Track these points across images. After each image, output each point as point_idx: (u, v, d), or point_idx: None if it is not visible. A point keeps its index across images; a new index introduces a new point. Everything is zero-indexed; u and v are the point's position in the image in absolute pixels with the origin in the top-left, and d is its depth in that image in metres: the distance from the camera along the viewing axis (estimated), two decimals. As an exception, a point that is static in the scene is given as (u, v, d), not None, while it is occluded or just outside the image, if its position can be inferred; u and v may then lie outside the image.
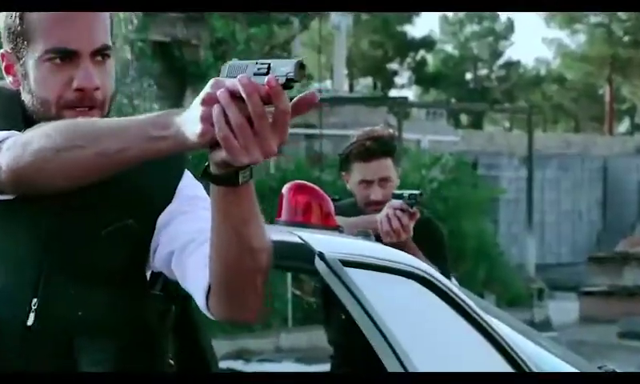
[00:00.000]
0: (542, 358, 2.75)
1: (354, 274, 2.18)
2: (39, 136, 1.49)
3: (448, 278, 2.69)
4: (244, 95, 1.29)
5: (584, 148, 23.58)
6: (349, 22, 21.03)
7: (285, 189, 2.84)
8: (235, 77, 1.31)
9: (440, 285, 2.37)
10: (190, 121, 1.34)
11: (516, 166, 19.03)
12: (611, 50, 34.65)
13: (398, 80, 39.73)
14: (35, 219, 1.59)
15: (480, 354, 2.39)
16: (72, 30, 1.60)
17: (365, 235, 2.67)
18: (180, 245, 1.58)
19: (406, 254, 2.53)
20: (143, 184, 1.61)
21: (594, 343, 11.50)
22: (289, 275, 9.89)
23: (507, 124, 39.71)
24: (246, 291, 1.49)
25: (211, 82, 1.33)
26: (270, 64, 1.30)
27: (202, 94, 1.33)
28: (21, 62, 1.64)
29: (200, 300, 1.53)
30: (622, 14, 33.85)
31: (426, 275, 2.37)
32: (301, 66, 1.28)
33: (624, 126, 43.07)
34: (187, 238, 1.58)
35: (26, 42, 1.62)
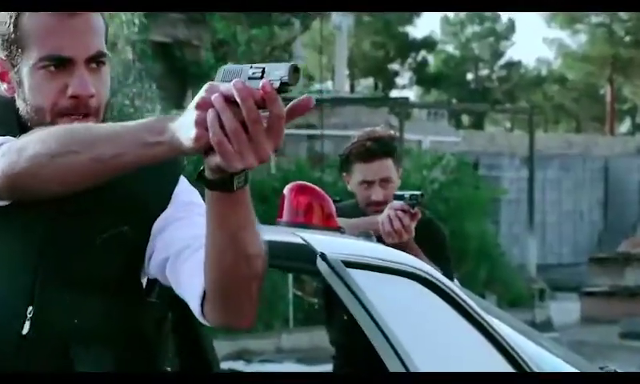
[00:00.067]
0: (543, 358, 2.75)
1: (355, 275, 2.18)
2: (34, 142, 1.49)
3: (450, 278, 2.69)
4: (238, 100, 1.28)
5: (585, 148, 23.57)
6: (350, 22, 21.03)
7: (286, 189, 2.84)
8: (230, 81, 1.30)
9: (441, 285, 2.38)
10: (184, 126, 1.34)
11: (517, 166, 19.03)
12: (612, 50, 34.64)
13: (399, 80, 39.75)
14: (30, 225, 1.59)
15: (481, 354, 2.40)
16: (66, 38, 1.60)
17: (366, 236, 2.67)
18: (175, 251, 1.58)
19: (407, 254, 2.54)
20: (138, 190, 1.61)
21: (596, 344, 11.50)
22: (290, 276, 9.89)
23: (508, 124, 39.70)
24: (241, 298, 1.48)
25: (206, 86, 1.33)
26: (264, 68, 1.30)
27: (196, 99, 1.33)
28: (15, 69, 1.64)
29: (195, 306, 1.53)
30: (623, 14, 33.84)
31: (427, 276, 2.37)
32: (295, 69, 1.28)
33: (625, 126, 43.06)
34: (182, 244, 1.57)
35: (20, 50, 1.62)
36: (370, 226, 2.84)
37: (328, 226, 2.75)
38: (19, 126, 1.63)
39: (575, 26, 35.75)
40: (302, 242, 2.28)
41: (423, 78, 39.11)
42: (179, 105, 13.23)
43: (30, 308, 1.58)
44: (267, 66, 1.30)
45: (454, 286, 2.45)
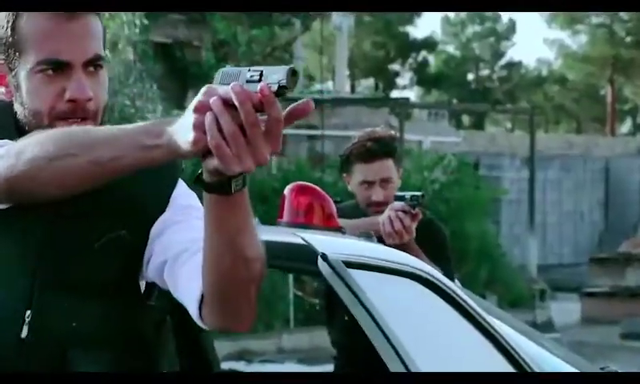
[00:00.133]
0: (544, 358, 2.75)
1: (356, 276, 2.18)
2: (32, 145, 1.49)
3: (451, 279, 2.69)
4: (236, 103, 1.28)
5: (586, 149, 23.57)
6: (350, 23, 21.03)
7: (287, 190, 2.84)
8: (228, 84, 1.30)
9: (442, 286, 2.37)
10: (182, 129, 1.34)
11: (518, 166, 19.03)
12: (613, 50, 34.63)
13: (399, 81, 39.75)
14: (28, 229, 1.59)
15: (482, 355, 2.39)
16: (64, 41, 1.59)
17: (367, 236, 2.67)
18: (173, 254, 1.58)
19: (408, 255, 2.53)
20: (136, 193, 1.61)
21: (596, 344, 11.49)
22: (290, 276, 9.89)
23: (509, 125, 39.71)
24: (240, 301, 1.48)
25: (204, 89, 1.33)
26: (262, 71, 1.30)
27: (194, 102, 1.32)
28: (13, 73, 1.64)
29: (193, 310, 1.52)
30: (623, 15, 33.85)
31: (428, 276, 2.37)
32: (293, 73, 1.27)
33: (626, 126, 43.05)
34: (180, 247, 1.57)
35: (17, 53, 1.62)
36: (370, 226, 2.84)
37: (329, 226, 2.74)
38: (17, 130, 1.63)
39: (576, 27, 35.76)
40: (302, 242, 2.28)
41: (424, 79, 39.11)
42: (180, 105, 13.23)
43: (28, 312, 1.57)
44: (265, 69, 1.30)
45: (454, 287, 2.45)
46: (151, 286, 1.70)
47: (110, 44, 9.58)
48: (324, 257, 2.17)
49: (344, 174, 3.20)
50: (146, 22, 10.50)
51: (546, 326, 12.85)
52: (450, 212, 13.07)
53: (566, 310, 14.66)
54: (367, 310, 2.13)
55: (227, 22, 14.70)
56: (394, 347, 2.11)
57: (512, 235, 18.07)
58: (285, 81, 1.27)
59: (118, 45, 9.75)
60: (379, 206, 3.02)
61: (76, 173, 1.45)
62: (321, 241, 2.29)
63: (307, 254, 2.23)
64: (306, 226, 2.70)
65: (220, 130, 1.29)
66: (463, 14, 39.40)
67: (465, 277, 11.19)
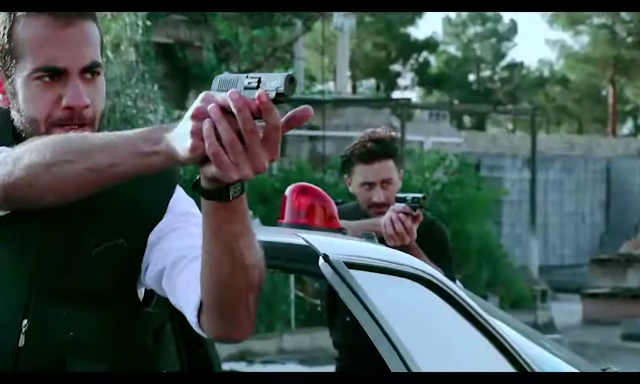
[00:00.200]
0: (545, 359, 2.75)
1: (358, 276, 2.18)
2: (30, 151, 1.48)
3: (452, 279, 2.69)
4: (234, 110, 1.28)
5: (587, 149, 23.55)
6: (352, 23, 21.02)
7: (288, 191, 2.84)
8: (226, 90, 1.30)
9: (444, 287, 2.37)
10: (180, 136, 1.33)
11: (519, 167, 19.02)
12: (614, 51, 34.61)
13: (400, 81, 39.73)
14: (25, 237, 1.58)
15: (483, 355, 2.39)
16: (61, 48, 1.58)
17: (368, 237, 2.67)
18: (171, 261, 1.57)
19: (409, 256, 2.53)
20: (134, 200, 1.60)
21: (598, 345, 11.49)
22: (292, 277, 9.89)
23: (510, 125, 39.67)
24: (238, 309, 1.47)
25: (201, 95, 1.32)
26: (260, 78, 1.29)
27: (192, 109, 1.32)
28: (9, 80, 1.63)
29: (191, 317, 1.51)
30: (625, 16, 33.83)
31: (430, 277, 2.37)
32: (291, 80, 1.27)
33: (627, 127, 43.03)
34: (178, 254, 1.56)
35: (14, 60, 1.61)
36: (372, 228, 2.84)
37: (330, 227, 2.74)
38: (14, 137, 1.62)
39: (577, 28, 35.73)
40: (304, 243, 2.28)
41: (425, 79, 39.09)
42: (181, 105, 13.24)
43: (25, 321, 1.57)
44: (263, 76, 1.29)
45: (456, 288, 2.45)
46: (150, 293, 1.69)
47: (112, 45, 9.58)
48: (325, 257, 2.17)
49: (345, 176, 3.20)
50: (148, 23, 10.50)
51: (547, 327, 12.85)
52: (452, 213, 13.07)
53: (567, 310, 14.66)
54: (368, 311, 2.13)
55: (228, 22, 14.70)
56: (395, 348, 2.11)
57: (513, 236, 18.07)
58: (283, 88, 1.27)
59: (120, 46, 9.75)
60: (380, 207, 3.02)
61: (73, 179, 1.44)
62: (322, 242, 2.29)
63: (309, 255, 2.23)
64: (308, 226, 2.70)
65: (218, 137, 1.29)
66: (464, 15, 39.39)
67: (466, 277, 11.19)
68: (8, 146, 1.57)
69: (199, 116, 1.30)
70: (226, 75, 1.36)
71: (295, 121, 1.30)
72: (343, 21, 19.65)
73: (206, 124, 1.29)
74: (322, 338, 8.37)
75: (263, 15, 14.91)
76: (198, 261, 1.48)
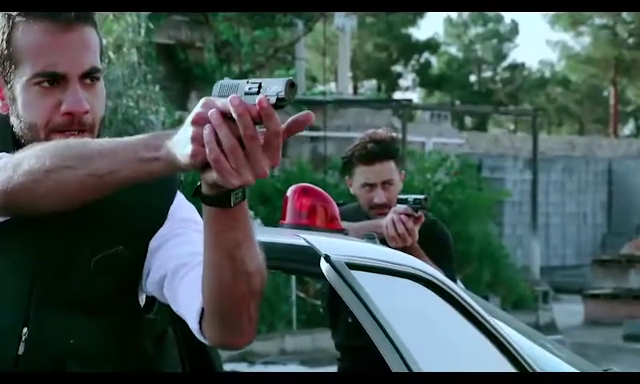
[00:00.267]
0: (546, 360, 2.75)
1: (359, 277, 2.18)
2: (29, 157, 1.47)
3: (453, 280, 2.69)
4: (235, 116, 1.27)
5: (588, 150, 23.54)
6: (353, 24, 21.01)
7: (289, 191, 2.84)
8: (226, 96, 1.29)
9: (445, 288, 2.38)
10: (180, 142, 1.32)
11: (520, 168, 19.02)
12: (616, 51, 34.60)
13: (402, 82, 39.73)
14: (25, 243, 1.57)
15: (485, 356, 2.40)
16: (60, 54, 1.58)
17: (369, 238, 2.67)
18: (172, 268, 1.56)
19: (411, 256, 2.53)
20: (134, 207, 1.59)
21: (599, 346, 11.49)
22: (293, 278, 9.89)
23: (512, 126, 39.66)
24: (240, 315, 1.46)
25: (202, 101, 1.31)
26: (260, 83, 1.29)
27: (192, 114, 1.31)
28: (9, 85, 1.62)
29: (193, 325, 1.51)
30: (626, 16, 33.81)
31: (431, 278, 2.37)
32: (291, 85, 1.27)
33: (629, 128, 43.01)
34: (179, 261, 1.55)
35: (13, 66, 1.60)
36: (374, 229, 2.84)
37: (331, 228, 2.75)
38: (13, 143, 1.61)
39: (579, 28, 35.72)
40: (305, 243, 2.28)
41: (426, 80, 39.09)
42: (183, 106, 13.24)
43: (25, 330, 1.56)
44: (264, 82, 1.29)
45: (457, 289, 2.45)
46: (151, 299, 1.68)
47: (114, 46, 9.59)
48: (327, 258, 2.17)
49: (346, 177, 3.20)
50: (151, 26, 10.51)
51: (549, 328, 12.84)
52: (453, 213, 13.07)
53: (568, 311, 14.65)
54: (370, 312, 2.13)
55: (230, 23, 14.70)
56: (396, 348, 2.11)
57: (515, 237, 18.06)
58: (283, 93, 1.26)
59: (122, 47, 9.76)
60: (381, 209, 3.02)
61: (73, 186, 1.43)
62: (324, 242, 2.29)
63: (310, 256, 2.23)
64: (309, 227, 2.71)
65: (219, 143, 1.28)
66: (466, 16, 39.38)
67: (467, 278, 11.19)
68: (7, 151, 1.56)
69: (200, 122, 1.30)
70: (226, 81, 1.35)
71: (296, 126, 1.30)
72: (344, 21, 19.65)
73: (207, 130, 1.28)
74: (324, 339, 8.37)
75: (264, 16, 14.91)
76: (199, 267, 1.47)
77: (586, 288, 15.10)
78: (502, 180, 18.39)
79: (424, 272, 2.38)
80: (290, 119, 1.30)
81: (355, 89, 34.55)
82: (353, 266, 2.20)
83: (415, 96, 39.30)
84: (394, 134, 3.24)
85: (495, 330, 2.38)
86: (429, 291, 2.36)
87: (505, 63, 40.61)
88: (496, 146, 21.68)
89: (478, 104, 33.21)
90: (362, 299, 2.13)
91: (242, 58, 15.02)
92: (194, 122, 1.30)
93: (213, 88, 1.36)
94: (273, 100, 1.27)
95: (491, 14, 39.00)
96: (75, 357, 1.57)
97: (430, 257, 2.84)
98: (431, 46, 38.63)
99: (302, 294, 10.49)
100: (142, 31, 9.99)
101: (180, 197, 1.67)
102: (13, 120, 1.63)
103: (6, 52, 1.61)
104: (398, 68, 38.98)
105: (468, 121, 38.75)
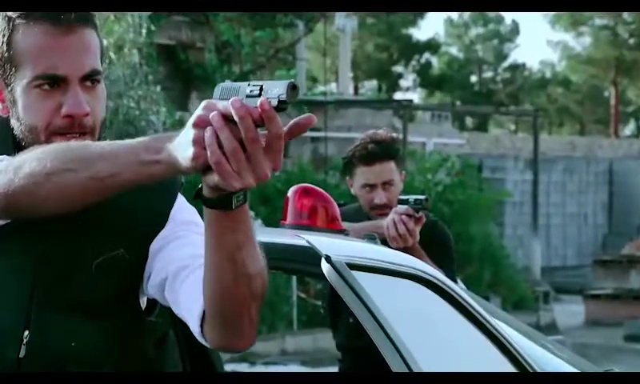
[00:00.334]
0: (547, 360, 2.75)
1: (360, 278, 2.18)
2: (30, 160, 1.47)
3: (454, 280, 2.69)
4: (236, 118, 1.27)
5: (589, 151, 23.54)
6: (353, 24, 21.02)
7: (290, 192, 2.84)
8: (227, 98, 1.29)
9: (446, 288, 2.38)
10: (182, 144, 1.32)
11: (521, 168, 19.01)
12: (616, 52, 34.60)
13: (402, 83, 39.75)
14: (26, 246, 1.57)
15: (486, 356, 2.40)
16: (60, 56, 1.57)
17: (370, 238, 2.67)
18: (173, 271, 1.56)
19: (411, 257, 2.54)
20: (135, 210, 1.59)
21: (600, 346, 11.49)
22: (294, 278, 9.89)
23: (512, 127, 39.66)
24: (241, 318, 1.46)
25: (203, 103, 1.31)
26: (262, 86, 1.29)
27: (193, 117, 1.31)
28: (9, 88, 1.62)
29: (194, 327, 1.50)
30: (627, 17, 33.81)
31: (432, 278, 2.37)
32: (293, 87, 1.26)
33: (629, 128, 43.00)
34: (180, 263, 1.55)
35: (14, 68, 1.60)
36: (375, 230, 2.84)
37: (332, 228, 2.75)
38: (14, 146, 1.61)
39: (579, 29, 35.72)
40: (306, 244, 2.28)
41: (427, 80, 39.09)
42: (184, 107, 13.25)
43: (27, 333, 1.56)
44: (265, 84, 1.29)
45: (458, 289, 2.45)
46: (152, 301, 1.68)
47: (115, 47, 9.59)
48: (327, 259, 2.17)
49: (347, 177, 3.20)
50: (153, 28, 10.52)
51: (550, 328, 12.83)
52: (454, 214, 13.06)
53: (569, 311, 14.65)
54: (371, 312, 2.13)
55: (230, 23, 14.70)
56: (397, 349, 2.11)
57: (515, 237, 18.06)
58: (285, 95, 1.26)
59: (123, 48, 9.76)
60: (382, 209, 3.02)
61: (74, 188, 1.43)
62: (324, 243, 2.29)
63: (311, 256, 2.23)
64: (310, 228, 2.71)
65: (220, 145, 1.28)
66: (466, 16, 39.38)
67: (468, 278, 11.19)
68: (8, 154, 1.55)
69: (201, 124, 1.29)
70: (227, 83, 1.35)
71: (298, 128, 1.29)
72: (345, 22, 19.65)
73: (208, 132, 1.28)
74: (324, 339, 8.37)
75: (265, 16, 14.91)
76: (200, 270, 1.47)
77: (586, 288, 15.10)
78: (502, 180, 18.39)
79: (425, 272, 2.38)
80: (291, 122, 1.30)
81: (356, 89, 34.55)
82: (353, 267, 2.20)
83: (416, 96, 39.34)
84: (395, 135, 3.24)
85: (496, 330, 2.38)
86: (429, 292, 2.36)
87: (505, 63, 40.61)
88: (497, 147, 21.69)
89: (479, 104, 33.21)
90: (363, 300, 2.13)
91: (243, 59, 15.02)
92: (196, 125, 1.30)
93: (214, 90, 1.35)
94: (274, 103, 1.26)
95: (492, 14, 39.00)
96: (76, 360, 1.56)
97: (430, 257, 2.84)
98: (432, 46, 38.63)
99: (302, 295, 10.49)
100: (144, 32, 10.00)
101: (181, 199, 1.66)
102: (13, 123, 1.63)
103: (6, 55, 1.60)
104: (398, 68, 38.98)
105: (469, 121, 38.75)
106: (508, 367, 2.36)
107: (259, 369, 8.92)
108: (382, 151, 3.08)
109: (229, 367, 7.87)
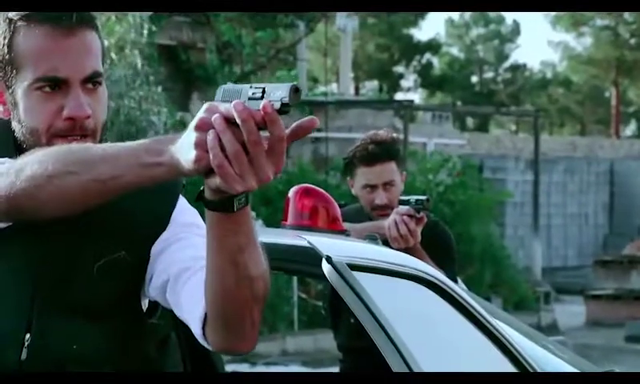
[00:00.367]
0: (548, 361, 2.75)
1: (361, 278, 2.18)
2: (32, 162, 1.46)
3: (455, 281, 2.69)
4: (239, 121, 1.26)
5: (590, 151, 23.54)
6: (354, 24, 21.02)
7: (291, 192, 2.84)
8: (230, 101, 1.29)
9: (447, 289, 2.38)
10: (184, 147, 1.32)
11: (522, 169, 19.01)
12: (617, 52, 34.59)
13: (403, 83, 39.75)
14: (27, 249, 1.57)
15: (487, 357, 2.39)
16: (62, 58, 1.57)
17: (371, 239, 2.67)
18: (174, 273, 1.55)
19: (412, 257, 2.53)
20: (136, 212, 1.58)
21: (601, 347, 11.48)
22: (295, 278, 9.89)
23: (513, 127, 39.66)
24: (243, 320, 1.45)
25: (205, 106, 1.31)
26: (264, 88, 1.28)
27: (195, 120, 1.31)
28: (10, 90, 1.61)
29: (196, 330, 1.50)
30: (628, 17, 33.81)
31: (432, 279, 2.37)
32: (295, 90, 1.26)
33: (630, 129, 42.99)
34: (182, 266, 1.55)
35: (15, 71, 1.59)
36: (376, 230, 2.84)
37: (333, 229, 2.75)
38: (15, 148, 1.60)
39: (580, 29, 35.71)
40: (307, 244, 2.28)
41: (428, 81, 39.09)
42: (184, 107, 13.25)
43: (28, 336, 1.55)
44: (267, 87, 1.28)
45: (459, 289, 2.45)
46: (154, 303, 1.68)
47: (116, 48, 9.60)
48: (328, 259, 2.17)
49: (347, 178, 3.20)
50: (154, 28, 10.52)
51: (551, 329, 12.83)
52: (455, 214, 13.06)
53: (570, 312, 14.64)
54: (372, 313, 2.13)
55: (231, 24, 14.71)
56: (398, 350, 2.11)
57: (516, 237, 18.05)
58: (287, 98, 1.26)
59: (124, 49, 9.77)
60: (382, 210, 3.02)
61: (76, 191, 1.43)
62: (325, 243, 2.29)
63: (312, 257, 2.23)
64: (311, 228, 2.71)
65: (222, 148, 1.27)
66: (467, 17, 39.38)
67: (469, 279, 11.19)
68: (9, 157, 1.55)
69: (203, 127, 1.29)
70: (229, 85, 1.34)
71: (301, 131, 1.29)
72: (346, 22, 19.65)
73: (210, 135, 1.28)
74: (325, 340, 8.37)
75: (266, 17, 14.92)
76: (201, 272, 1.46)
77: (587, 289, 15.09)
78: (503, 181, 18.38)
79: (425, 273, 2.38)
80: (294, 124, 1.29)
81: (357, 90, 34.56)
82: (354, 267, 2.20)
83: (417, 97, 39.34)
84: (396, 135, 3.24)
85: (497, 331, 2.38)
86: (430, 292, 2.36)
87: (506, 64, 40.61)
88: (497, 147, 21.68)
89: (480, 105, 33.20)
90: (364, 300, 2.13)
91: (244, 59, 15.03)
92: (198, 128, 1.30)
93: (216, 92, 1.35)
94: (277, 105, 1.26)
95: (493, 14, 39.00)
96: (77, 362, 1.56)
97: (431, 258, 2.84)
98: (433, 46, 38.64)
99: (303, 295, 10.49)
100: (145, 32, 10.00)
101: (182, 201, 1.66)
102: (14, 125, 1.62)
103: (7, 57, 1.60)
104: (399, 69, 38.99)
105: (469, 122, 38.74)
106: (509, 368, 2.36)
107: (260, 369, 8.92)
108: (382, 152, 3.08)
109: (229, 368, 7.87)
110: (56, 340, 1.56)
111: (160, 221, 1.61)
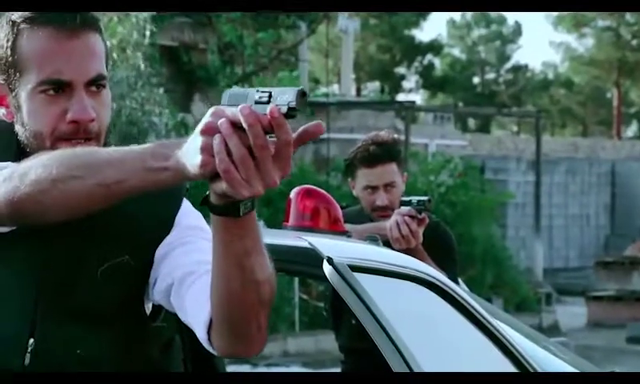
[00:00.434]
0: (549, 362, 2.76)
1: (362, 279, 2.18)
2: (36, 166, 1.45)
3: (456, 282, 2.69)
4: (245, 126, 1.25)
5: (592, 152, 23.54)
6: (356, 25, 21.03)
7: (293, 193, 2.84)
8: (236, 105, 1.27)
9: (448, 290, 2.38)
10: (189, 152, 1.31)
11: (524, 170, 19.01)
12: (619, 53, 34.59)
13: (405, 84, 39.77)
14: (30, 254, 1.56)
15: (488, 358, 2.40)
16: (65, 61, 1.56)
17: (372, 240, 2.67)
18: (179, 277, 1.54)
19: (413, 258, 2.54)
20: (140, 216, 1.57)
21: (602, 348, 11.48)
22: (296, 280, 9.89)
23: (515, 128, 39.66)
24: (249, 325, 1.44)
25: (211, 110, 1.30)
26: (271, 92, 1.27)
27: (201, 124, 1.29)
28: (13, 93, 1.60)
29: (201, 334, 1.49)
30: (629, 18, 33.80)
31: (434, 280, 2.37)
32: (302, 94, 1.25)
33: (632, 129, 42.98)
34: (186, 269, 1.54)
35: (18, 74, 1.58)
36: (378, 231, 2.84)
37: (334, 230, 2.75)
38: (19, 152, 1.59)
39: (582, 30, 35.71)
40: (308, 245, 2.28)
41: (429, 82, 39.09)
42: (186, 108, 13.26)
43: (32, 341, 1.55)
44: (274, 91, 1.27)
45: (460, 291, 2.45)
46: (158, 307, 1.67)
47: (118, 49, 9.60)
48: (330, 260, 2.18)
49: (349, 179, 3.20)
50: (155, 29, 10.52)
51: (552, 330, 12.83)
52: (456, 215, 13.07)
53: (571, 313, 14.64)
54: (373, 314, 2.13)
55: (233, 24, 14.72)
56: (399, 350, 2.12)
57: (518, 238, 18.05)
58: (294, 102, 1.25)
59: (126, 50, 9.77)
60: (384, 211, 3.02)
61: (81, 195, 1.42)
62: (326, 244, 2.30)
63: (313, 258, 2.23)
64: (312, 229, 2.71)
65: (229, 153, 1.26)
66: (469, 17, 39.38)
67: (471, 280, 11.18)
68: (13, 160, 1.54)
69: (209, 131, 1.28)
70: (235, 89, 1.34)
71: (307, 136, 1.28)
72: (347, 23, 19.67)
73: (217, 140, 1.27)
74: (326, 341, 8.38)
75: (267, 18, 14.93)
76: (206, 276, 1.45)
77: (589, 290, 15.09)
78: (505, 182, 18.38)
79: (427, 274, 2.38)
80: (300, 129, 1.28)
81: (358, 90, 34.57)
82: (355, 269, 2.21)
83: (418, 98, 39.35)
84: (396, 136, 3.24)
85: (498, 332, 2.38)
86: (432, 293, 2.36)
87: (508, 65, 40.61)
88: (499, 148, 21.68)
89: (481, 106, 33.20)
90: (365, 301, 2.14)
91: (246, 60, 15.03)
92: (204, 132, 1.29)
93: (222, 96, 1.34)
94: (284, 109, 1.25)
95: (494, 15, 39.01)
96: (81, 367, 1.56)
97: (433, 259, 2.84)
98: (434, 47, 38.64)
99: (304, 296, 10.50)
100: (147, 33, 10.01)
101: (186, 204, 1.65)
102: (18, 128, 1.61)
103: (10, 59, 1.58)
104: (401, 70, 38.99)
105: (471, 122, 38.74)
106: (510, 369, 2.36)
107: (261, 370, 8.92)
108: (383, 153, 3.08)
109: (230, 368, 7.88)
110: (59, 344, 1.56)
111: (164, 224, 1.60)
